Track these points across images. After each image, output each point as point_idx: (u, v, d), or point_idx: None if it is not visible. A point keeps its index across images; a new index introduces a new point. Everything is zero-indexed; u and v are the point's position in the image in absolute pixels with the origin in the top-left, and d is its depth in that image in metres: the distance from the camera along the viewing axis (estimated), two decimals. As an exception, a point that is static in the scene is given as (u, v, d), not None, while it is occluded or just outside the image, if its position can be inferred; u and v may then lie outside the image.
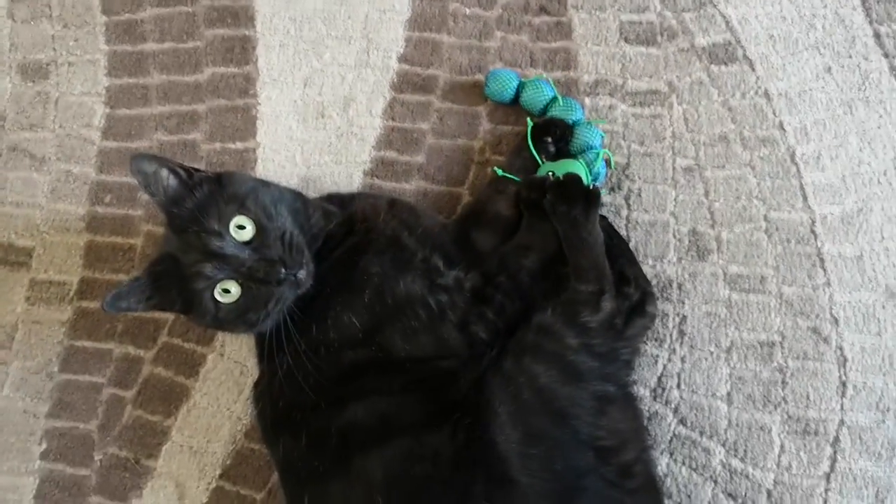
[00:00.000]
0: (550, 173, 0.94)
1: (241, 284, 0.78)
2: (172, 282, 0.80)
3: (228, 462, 0.98)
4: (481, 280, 0.86)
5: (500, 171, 0.99)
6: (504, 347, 0.80)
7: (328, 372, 0.79)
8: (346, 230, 0.87)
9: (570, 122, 1.01)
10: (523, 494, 0.72)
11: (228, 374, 1.01)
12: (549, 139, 1.00)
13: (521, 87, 1.04)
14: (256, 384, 0.86)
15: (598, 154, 0.99)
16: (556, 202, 0.89)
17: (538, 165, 0.99)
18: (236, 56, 1.16)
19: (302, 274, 0.79)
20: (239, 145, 1.11)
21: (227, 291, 0.78)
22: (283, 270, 0.77)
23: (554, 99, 1.02)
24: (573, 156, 1.00)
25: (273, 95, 1.13)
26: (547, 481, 0.72)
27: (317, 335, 0.81)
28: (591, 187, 0.91)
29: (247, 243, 0.78)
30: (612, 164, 1.03)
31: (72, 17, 1.19)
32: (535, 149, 0.99)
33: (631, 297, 0.90)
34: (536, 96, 1.03)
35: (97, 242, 1.09)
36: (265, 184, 0.87)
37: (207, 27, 1.17)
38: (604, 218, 0.97)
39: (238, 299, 0.78)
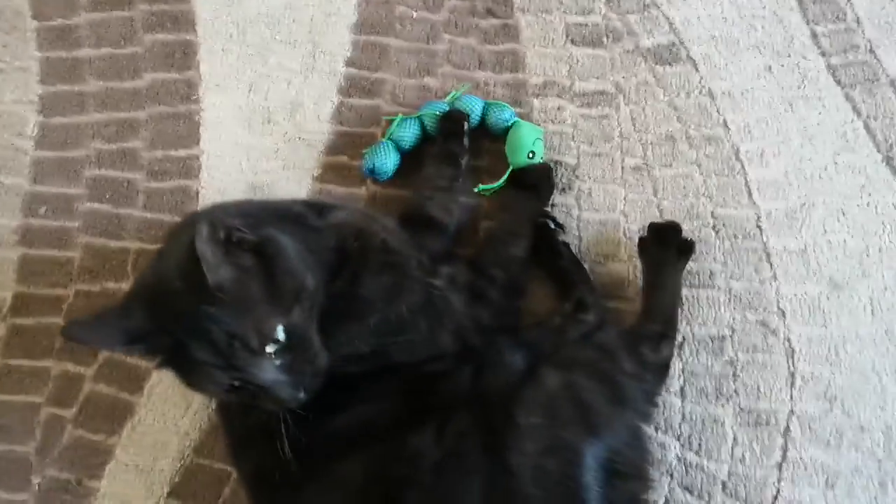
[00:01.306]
0: (530, 153, 0.99)
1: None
2: (165, 345, 0.68)
3: (177, 479, 0.93)
4: (472, 273, 0.86)
5: (480, 188, 1.01)
6: (535, 360, 0.80)
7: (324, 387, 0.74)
8: (340, 256, 0.77)
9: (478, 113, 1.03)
10: None
11: (174, 388, 0.96)
12: (458, 138, 1.00)
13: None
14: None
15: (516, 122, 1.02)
16: (650, 242, 0.96)
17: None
18: (177, 61, 1.13)
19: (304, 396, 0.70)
20: (182, 153, 1.08)
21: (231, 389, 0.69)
22: (300, 396, 0.69)
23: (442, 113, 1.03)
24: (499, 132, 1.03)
25: (217, 101, 1.10)
26: (555, 494, 0.71)
27: None
28: (689, 239, 0.96)
29: (272, 353, 0.67)
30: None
31: (0, 23, 1.14)
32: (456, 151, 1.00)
33: (589, 323, 0.91)
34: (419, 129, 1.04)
35: (31, 256, 1.04)
36: (305, 257, 0.72)
37: (146, 32, 1.14)
38: (566, 245, 0.99)
39: (240, 397, 0.70)
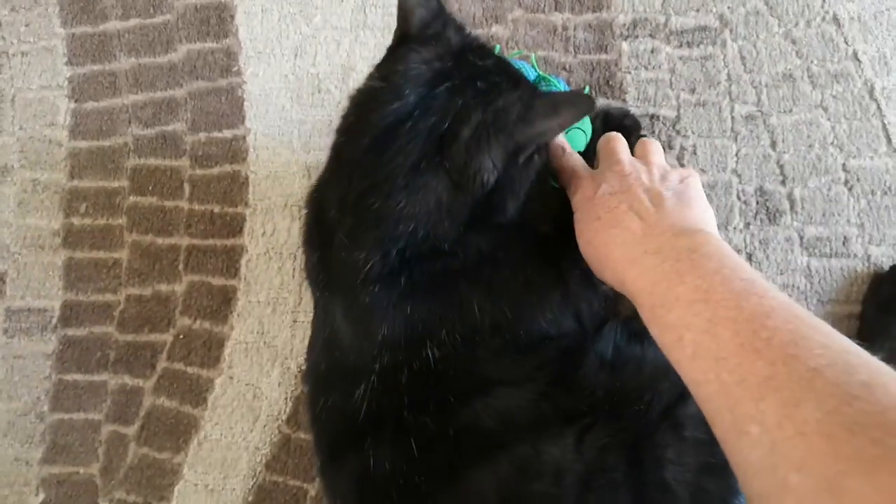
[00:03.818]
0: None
1: None
2: None
3: (250, 499, 0.86)
4: None
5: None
6: None
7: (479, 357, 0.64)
8: None
9: None
10: None
11: (240, 398, 0.88)
12: None
13: None
14: (317, 403, 0.69)
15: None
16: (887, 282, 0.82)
17: None
18: (213, 28, 1.00)
19: None
20: (227, 133, 0.97)
21: None
22: None
23: None
24: None
25: (260, 71, 0.98)
26: None
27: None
28: None
29: None
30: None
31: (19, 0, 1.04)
32: None
33: None
34: None
35: (77, 259, 0.96)
36: None
37: (176, -3, 1.02)
38: None
39: None
